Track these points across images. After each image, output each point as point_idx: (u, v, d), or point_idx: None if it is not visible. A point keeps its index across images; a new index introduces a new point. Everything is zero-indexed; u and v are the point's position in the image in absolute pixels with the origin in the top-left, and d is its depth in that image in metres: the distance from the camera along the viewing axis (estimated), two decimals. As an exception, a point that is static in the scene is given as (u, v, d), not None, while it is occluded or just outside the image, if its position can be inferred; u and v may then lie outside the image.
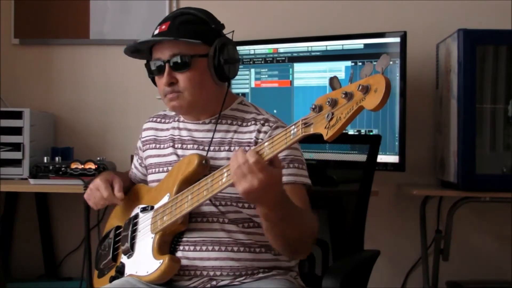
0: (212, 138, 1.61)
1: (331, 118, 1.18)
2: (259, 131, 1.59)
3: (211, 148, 1.61)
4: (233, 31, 1.63)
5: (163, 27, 1.58)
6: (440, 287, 2.68)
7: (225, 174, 1.40)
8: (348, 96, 1.16)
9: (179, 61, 1.56)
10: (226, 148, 1.60)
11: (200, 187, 1.46)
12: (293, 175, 1.56)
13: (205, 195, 1.44)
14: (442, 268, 2.65)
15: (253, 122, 1.61)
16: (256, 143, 1.57)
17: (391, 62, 2.40)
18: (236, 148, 1.58)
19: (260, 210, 1.39)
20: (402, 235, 2.80)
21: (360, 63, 2.45)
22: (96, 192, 1.68)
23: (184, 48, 1.56)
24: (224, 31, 1.64)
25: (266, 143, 1.32)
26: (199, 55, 1.57)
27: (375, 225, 2.70)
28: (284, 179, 1.51)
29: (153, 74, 1.63)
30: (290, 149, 1.51)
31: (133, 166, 1.88)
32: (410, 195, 2.53)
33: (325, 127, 1.19)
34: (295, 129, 1.26)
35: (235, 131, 1.61)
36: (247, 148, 1.56)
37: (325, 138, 1.19)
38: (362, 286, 1.77)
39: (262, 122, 1.61)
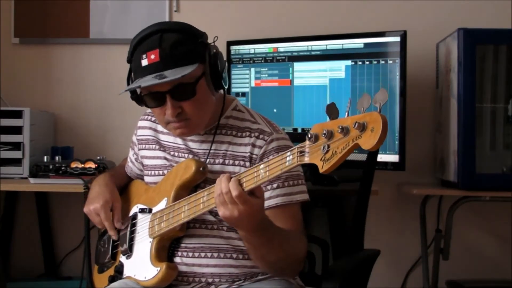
0: (210, 150, 1.59)
1: (327, 151, 1.17)
2: (253, 145, 1.56)
3: (207, 160, 1.59)
4: (216, 38, 1.56)
5: (152, 56, 1.46)
6: (440, 286, 2.68)
7: None
8: (344, 131, 1.14)
9: (183, 91, 1.48)
10: (221, 161, 1.58)
11: (197, 199, 1.46)
12: (288, 195, 1.53)
13: (201, 208, 1.44)
14: (442, 268, 2.65)
15: (247, 133, 1.58)
16: (250, 158, 1.55)
17: (391, 62, 2.40)
18: (231, 161, 1.57)
19: (241, 233, 1.41)
20: (402, 234, 2.80)
21: (360, 63, 2.45)
22: (96, 217, 1.67)
23: (185, 76, 1.45)
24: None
25: (262, 166, 1.31)
26: (198, 77, 1.50)
27: (375, 224, 2.70)
28: (279, 200, 1.51)
29: (149, 107, 1.55)
30: None
31: (129, 160, 1.85)
32: (410, 194, 2.53)
33: (321, 159, 1.18)
34: (291, 157, 1.25)
35: (230, 143, 1.58)
36: (246, 163, 1.55)
37: (321, 171, 1.18)
38: (362, 285, 1.77)
39: (256, 134, 1.57)
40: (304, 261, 1.54)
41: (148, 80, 1.45)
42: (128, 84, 1.58)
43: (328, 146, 1.17)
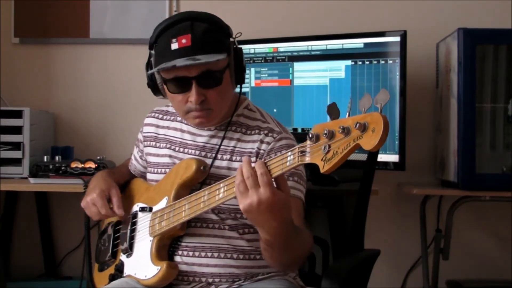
0: (220, 145, 1.58)
1: (328, 151, 1.17)
2: (261, 142, 1.56)
3: (212, 155, 1.59)
4: (240, 33, 1.59)
5: (184, 40, 1.46)
6: (440, 286, 2.68)
7: (222, 190, 1.39)
8: (345, 131, 1.14)
9: (209, 78, 1.49)
10: (228, 157, 1.58)
11: (198, 197, 1.45)
12: (292, 188, 1.52)
13: (201, 207, 1.44)
14: (442, 267, 2.65)
15: (257, 131, 1.58)
16: (257, 153, 1.55)
17: (391, 62, 2.40)
18: (238, 158, 1.56)
19: (261, 233, 1.35)
20: (402, 234, 2.80)
21: (360, 62, 2.45)
22: (93, 207, 1.64)
23: (213, 63, 1.47)
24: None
25: None
26: (224, 68, 1.52)
27: (375, 224, 2.70)
28: None
29: (164, 92, 1.55)
30: None
31: (133, 158, 1.85)
32: (410, 194, 2.53)
33: (322, 159, 1.18)
34: (292, 157, 1.25)
35: (238, 140, 1.58)
36: (253, 158, 1.53)
37: (322, 171, 1.17)
38: (362, 285, 1.77)
39: (266, 132, 1.57)
40: (308, 253, 1.53)
41: (182, 61, 1.44)
42: (147, 70, 1.58)
43: (329, 146, 1.17)
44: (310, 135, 1.21)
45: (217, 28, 1.53)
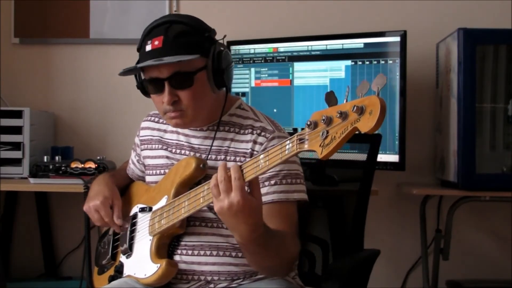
0: (211, 146, 1.59)
1: (326, 137, 1.17)
2: (255, 142, 1.56)
3: (208, 156, 1.59)
4: (224, 36, 1.59)
5: (156, 42, 1.49)
6: (440, 286, 2.68)
7: None
8: (343, 115, 1.15)
9: (180, 79, 1.50)
10: (223, 157, 1.58)
11: (197, 193, 1.46)
12: (285, 192, 1.52)
13: (201, 202, 1.44)
14: (442, 268, 2.65)
15: (250, 130, 1.58)
16: (251, 154, 1.55)
17: (391, 62, 2.40)
18: (232, 158, 1.57)
19: (237, 239, 1.38)
20: (402, 234, 2.80)
21: (360, 62, 2.45)
22: (96, 213, 1.66)
23: (184, 64, 1.48)
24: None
25: (262, 156, 1.30)
26: (198, 69, 1.52)
27: (375, 224, 2.70)
28: (275, 196, 1.50)
29: (149, 93, 1.56)
30: (285, 163, 1.46)
31: (130, 162, 1.85)
32: (410, 194, 2.53)
33: (320, 145, 1.18)
34: (290, 145, 1.25)
35: (232, 139, 1.59)
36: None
37: (320, 156, 1.18)
38: (362, 285, 1.77)
39: (258, 131, 1.57)
40: (296, 262, 1.55)
41: (146, 62, 1.48)
42: (140, 89, 1.61)
43: (327, 132, 1.18)
44: (309, 123, 1.21)
45: (195, 30, 1.53)
